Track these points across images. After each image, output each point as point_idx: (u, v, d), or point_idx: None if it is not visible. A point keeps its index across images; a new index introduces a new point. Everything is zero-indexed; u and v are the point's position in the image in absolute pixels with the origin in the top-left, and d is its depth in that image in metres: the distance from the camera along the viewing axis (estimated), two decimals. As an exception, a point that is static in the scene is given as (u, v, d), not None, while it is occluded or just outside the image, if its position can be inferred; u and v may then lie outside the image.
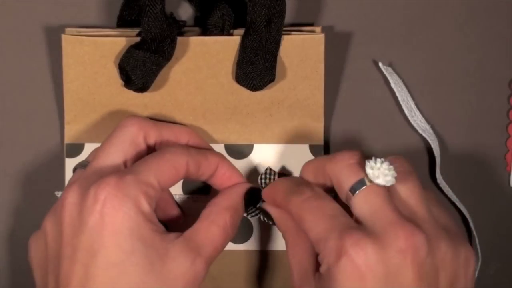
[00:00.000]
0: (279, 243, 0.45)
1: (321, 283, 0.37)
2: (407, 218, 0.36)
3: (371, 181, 0.37)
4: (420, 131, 0.47)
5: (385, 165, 0.37)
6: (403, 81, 0.47)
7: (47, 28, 0.47)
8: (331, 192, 0.40)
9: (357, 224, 0.37)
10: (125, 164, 0.40)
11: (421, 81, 0.47)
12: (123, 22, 0.46)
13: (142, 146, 0.41)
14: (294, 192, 0.39)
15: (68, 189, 0.38)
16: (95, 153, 0.41)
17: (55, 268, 0.37)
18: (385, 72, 0.47)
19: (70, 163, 0.45)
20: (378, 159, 0.37)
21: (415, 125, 0.47)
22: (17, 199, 0.47)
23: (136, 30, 0.45)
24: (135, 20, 0.46)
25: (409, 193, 0.38)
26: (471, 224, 0.47)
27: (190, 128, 0.44)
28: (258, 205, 0.44)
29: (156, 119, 0.44)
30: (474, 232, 0.47)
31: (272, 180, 0.44)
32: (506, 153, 0.48)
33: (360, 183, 0.37)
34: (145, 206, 0.37)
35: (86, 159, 0.43)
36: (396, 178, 0.37)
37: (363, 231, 0.36)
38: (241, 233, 0.45)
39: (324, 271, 0.36)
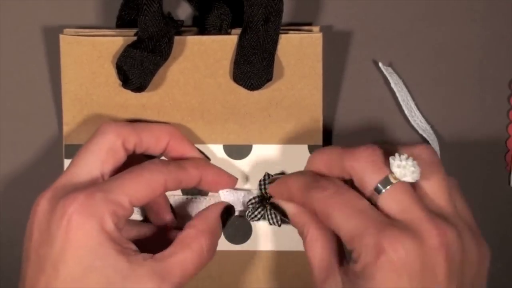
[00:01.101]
0: (278, 244, 0.45)
1: (354, 280, 0.37)
2: (437, 214, 0.37)
3: (396, 178, 0.37)
4: (420, 131, 0.47)
5: (410, 162, 0.37)
6: (403, 81, 0.47)
7: (45, 28, 0.47)
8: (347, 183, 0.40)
9: (389, 218, 0.37)
10: (102, 173, 0.40)
11: (421, 81, 0.47)
12: (122, 22, 0.46)
13: (121, 153, 0.40)
14: (315, 187, 0.39)
15: (42, 197, 0.38)
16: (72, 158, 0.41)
17: (23, 264, 0.38)
18: (385, 72, 0.46)
19: None
20: (402, 156, 0.37)
21: (415, 125, 0.47)
22: (16, 200, 0.47)
23: (134, 30, 0.45)
24: (134, 20, 0.45)
25: (435, 188, 0.38)
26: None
27: (172, 126, 0.44)
28: (266, 203, 0.44)
29: (137, 120, 0.44)
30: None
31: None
32: (506, 153, 0.47)
33: (386, 181, 0.37)
34: (110, 226, 0.37)
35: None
36: (421, 172, 0.37)
37: (399, 227, 0.36)
38: (240, 234, 0.45)
39: (360, 269, 0.36)
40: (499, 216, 0.48)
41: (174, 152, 0.43)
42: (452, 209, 0.38)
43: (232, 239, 0.45)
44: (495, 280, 0.48)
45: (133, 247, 0.38)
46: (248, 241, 0.45)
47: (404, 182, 0.37)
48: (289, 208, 0.41)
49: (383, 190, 0.37)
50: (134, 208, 0.39)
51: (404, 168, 0.36)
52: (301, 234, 0.41)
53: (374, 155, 0.38)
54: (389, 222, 0.36)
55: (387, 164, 0.37)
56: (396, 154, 0.37)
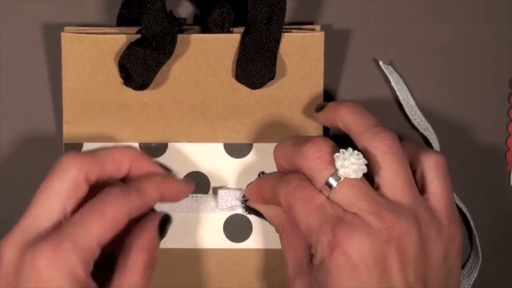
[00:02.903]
0: (278, 243, 0.45)
1: (316, 274, 0.38)
2: (389, 203, 0.37)
3: (341, 174, 0.38)
4: (421, 130, 0.47)
5: (354, 158, 0.37)
6: (403, 79, 0.47)
7: (46, 26, 0.47)
8: None
9: (343, 214, 0.37)
10: (65, 212, 0.38)
11: (422, 80, 0.47)
12: (123, 20, 0.46)
13: (83, 187, 0.39)
14: (281, 182, 0.40)
15: (4, 243, 0.37)
16: (33, 196, 0.39)
17: None
18: (385, 71, 0.46)
19: None
20: (347, 152, 0.38)
21: (415, 124, 0.47)
22: (14, 198, 0.47)
23: (136, 28, 0.45)
24: (135, 18, 0.46)
25: (391, 176, 0.38)
26: (472, 223, 0.47)
27: (132, 148, 0.42)
28: (244, 205, 0.44)
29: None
30: (475, 231, 0.47)
31: None
32: (507, 152, 0.48)
33: (334, 177, 0.38)
34: (81, 274, 0.36)
35: None
36: (366, 165, 0.38)
37: (350, 223, 0.37)
38: (241, 232, 0.45)
39: (318, 264, 0.37)
40: (499, 215, 0.48)
41: (136, 173, 0.42)
42: (409, 197, 0.38)
43: (233, 238, 0.45)
44: (495, 280, 0.48)
45: (94, 285, 0.37)
46: (249, 240, 0.45)
47: (350, 178, 0.38)
48: (263, 209, 0.43)
49: (333, 187, 0.38)
50: None
51: (347, 167, 0.37)
52: (277, 231, 0.43)
53: (321, 151, 0.38)
54: (342, 218, 0.37)
55: (333, 159, 0.38)
56: (341, 150, 0.38)
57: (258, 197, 0.43)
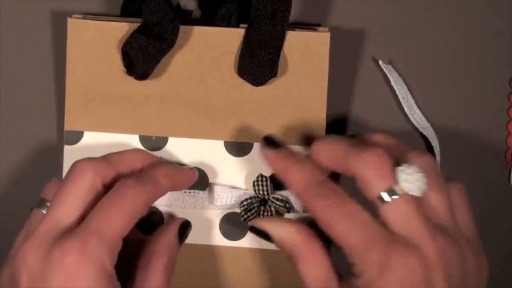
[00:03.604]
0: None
1: None
2: (438, 228, 0.37)
3: (402, 190, 0.37)
4: (420, 129, 0.47)
5: (419, 175, 0.37)
6: (403, 79, 0.47)
7: (53, 14, 0.47)
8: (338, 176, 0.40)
9: (391, 233, 0.37)
10: (83, 212, 0.39)
11: (421, 79, 0.47)
12: (126, 12, 0.46)
13: (100, 189, 0.40)
14: (317, 195, 0.39)
15: (27, 245, 0.37)
16: (52, 200, 0.40)
17: None
18: (385, 70, 0.47)
19: (69, 151, 0.45)
20: (411, 168, 0.37)
21: (415, 123, 0.47)
22: (14, 186, 0.48)
23: (141, 19, 0.44)
24: (138, 10, 0.45)
25: (436, 199, 0.38)
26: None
27: (141, 150, 0.44)
28: (287, 206, 0.44)
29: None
30: (474, 231, 0.47)
31: (264, 186, 0.44)
32: (506, 151, 0.47)
33: (391, 190, 0.37)
34: (109, 267, 0.37)
35: (42, 195, 0.42)
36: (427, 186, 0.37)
37: (403, 244, 0.36)
38: (237, 231, 0.45)
39: (364, 284, 0.36)
40: (499, 215, 0.48)
41: None
42: (452, 221, 0.38)
43: (229, 236, 0.45)
44: (495, 280, 0.48)
45: (118, 284, 0.38)
46: (244, 238, 0.45)
47: (409, 195, 0.37)
48: (277, 230, 0.41)
49: (388, 200, 0.37)
50: None
51: (411, 182, 0.36)
52: (291, 255, 0.40)
53: (382, 161, 0.37)
54: (393, 238, 0.36)
55: (394, 172, 0.37)
56: (405, 165, 0.37)
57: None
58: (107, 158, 0.41)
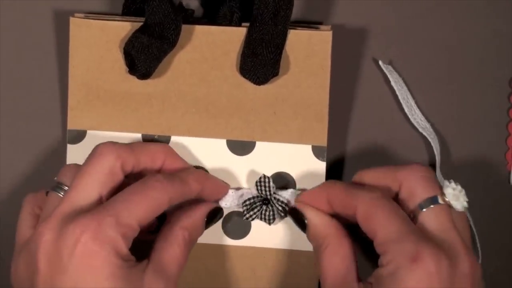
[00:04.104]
0: (276, 242, 0.45)
1: (378, 285, 0.38)
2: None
3: (445, 201, 0.39)
4: (420, 129, 0.47)
5: (463, 192, 0.39)
6: (403, 79, 0.47)
7: (55, 13, 0.48)
8: None
9: (427, 232, 0.38)
10: (101, 196, 0.39)
11: (421, 79, 0.47)
12: (128, 11, 0.46)
13: (120, 175, 0.40)
14: (363, 189, 0.40)
15: (45, 225, 0.38)
16: (70, 181, 0.40)
17: None
18: (385, 70, 0.47)
19: (72, 150, 0.45)
20: (456, 185, 0.40)
21: (415, 123, 0.47)
22: (17, 184, 0.48)
23: (143, 19, 0.44)
24: (139, 8, 0.46)
25: (459, 217, 0.40)
26: (471, 223, 0.47)
27: (166, 145, 0.44)
28: (287, 208, 0.44)
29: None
30: (475, 231, 0.47)
31: (267, 186, 0.44)
32: (506, 152, 0.48)
33: (433, 199, 0.39)
34: (124, 249, 0.37)
35: (58, 179, 0.41)
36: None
37: (438, 244, 0.37)
38: (239, 229, 0.45)
39: (389, 272, 0.37)
40: (499, 215, 0.48)
41: (169, 167, 0.43)
42: (468, 238, 0.40)
43: (231, 234, 0.45)
44: (495, 280, 0.48)
45: (133, 258, 0.38)
46: (247, 237, 0.45)
47: (448, 206, 0.39)
48: (315, 217, 0.42)
49: (429, 207, 0.39)
50: None
51: (457, 197, 0.39)
52: (319, 245, 0.42)
53: (428, 172, 0.40)
54: (428, 236, 0.38)
55: (438, 184, 0.40)
56: (451, 181, 0.40)
57: (321, 201, 0.42)
58: (131, 145, 0.41)
